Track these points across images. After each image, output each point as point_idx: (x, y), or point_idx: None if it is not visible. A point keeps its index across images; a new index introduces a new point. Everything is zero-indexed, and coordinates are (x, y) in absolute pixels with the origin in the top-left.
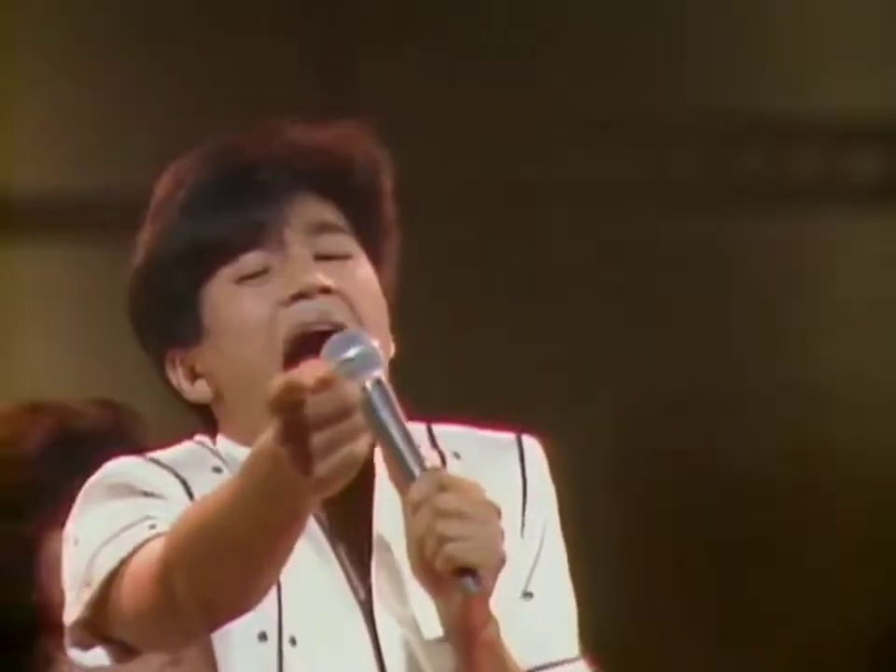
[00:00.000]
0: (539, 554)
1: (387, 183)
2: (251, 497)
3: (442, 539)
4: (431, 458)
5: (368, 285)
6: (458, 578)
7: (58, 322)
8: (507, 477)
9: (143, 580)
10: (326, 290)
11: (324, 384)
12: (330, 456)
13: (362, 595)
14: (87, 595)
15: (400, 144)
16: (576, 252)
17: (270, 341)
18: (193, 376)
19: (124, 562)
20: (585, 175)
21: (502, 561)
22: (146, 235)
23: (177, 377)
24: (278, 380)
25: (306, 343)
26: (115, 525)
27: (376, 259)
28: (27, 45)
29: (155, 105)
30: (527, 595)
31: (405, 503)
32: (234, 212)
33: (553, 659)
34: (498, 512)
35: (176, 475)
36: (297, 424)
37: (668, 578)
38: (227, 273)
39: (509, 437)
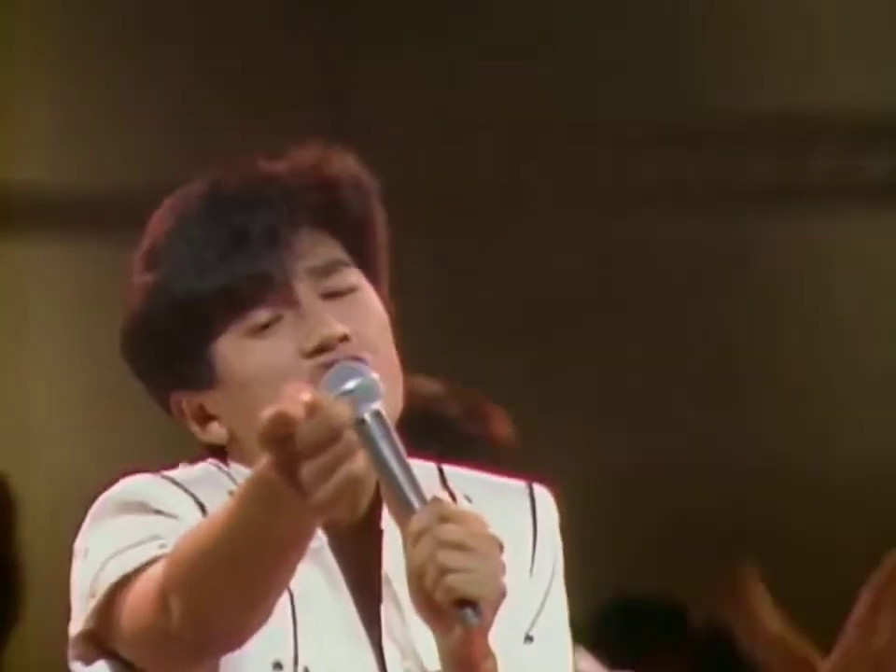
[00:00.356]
0: (544, 601)
1: (377, 204)
2: (252, 521)
3: (443, 570)
4: (443, 498)
5: (376, 316)
6: (458, 609)
7: (63, 321)
8: (518, 523)
9: (142, 601)
10: (344, 339)
11: (310, 410)
12: (328, 480)
13: (372, 628)
14: (90, 605)
15: (399, 145)
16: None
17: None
18: (204, 418)
19: (128, 577)
20: (590, 177)
21: (502, 595)
22: (146, 279)
23: (186, 419)
24: (265, 414)
25: None
26: (124, 541)
27: (375, 280)
28: (28, 43)
29: (156, 103)
30: (529, 638)
31: (405, 535)
32: (238, 264)
33: None
34: (501, 546)
35: (192, 495)
36: (289, 455)
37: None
38: (236, 327)
39: (520, 484)
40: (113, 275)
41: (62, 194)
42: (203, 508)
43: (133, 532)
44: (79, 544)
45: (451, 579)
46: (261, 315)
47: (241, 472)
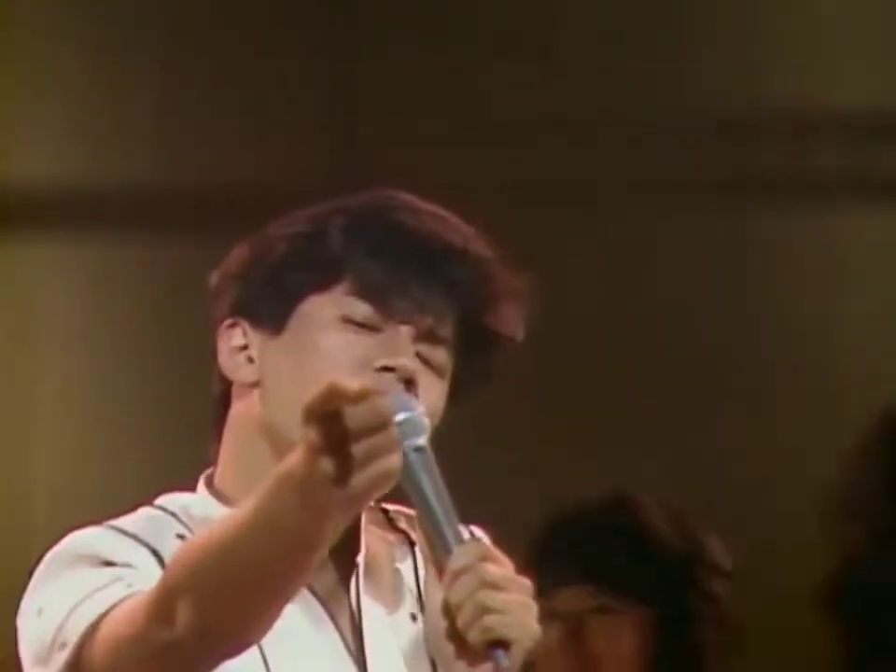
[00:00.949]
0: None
1: (513, 349)
2: (275, 516)
3: (483, 610)
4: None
5: (436, 407)
6: (491, 650)
7: (69, 321)
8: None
9: (125, 628)
10: (410, 383)
11: (363, 395)
12: (367, 468)
13: (359, 654)
14: (63, 657)
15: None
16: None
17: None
18: (240, 353)
19: (103, 618)
20: (590, 174)
21: (535, 639)
22: (296, 222)
23: (223, 342)
24: (321, 385)
25: None
26: (85, 589)
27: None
28: (30, 42)
29: (156, 102)
30: None
31: (438, 570)
32: (390, 265)
33: None
34: (533, 591)
35: (145, 544)
36: (335, 432)
37: None
38: (334, 300)
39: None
40: (118, 276)
41: (67, 193)
42: (157, 554)
43: (93, 580)
44: (28, 604)
45: (489, 619)
46: (366, 312)
47: (190, 515)
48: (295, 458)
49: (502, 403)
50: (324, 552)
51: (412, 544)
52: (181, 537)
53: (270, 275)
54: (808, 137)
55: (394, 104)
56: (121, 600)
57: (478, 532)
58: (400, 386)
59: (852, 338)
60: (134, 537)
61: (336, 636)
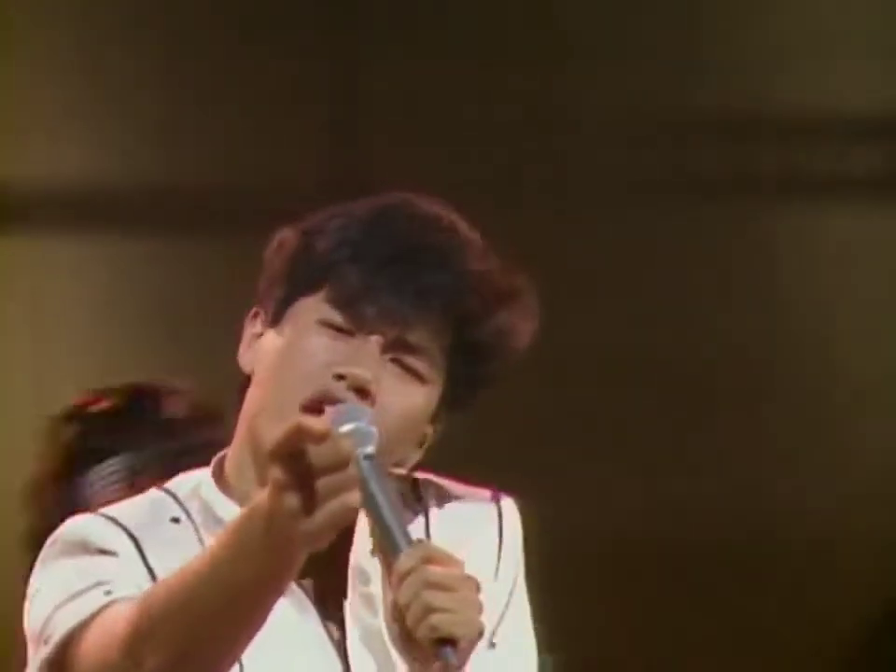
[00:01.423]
0: (506, 608)
1: (512, 356)
2: (240, 555)
3: (428, 609)
4: (413, 509)
5: (418, 411)
6: (438, 647)
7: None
8: (484, 533)
9: (107, 650)
10: (362, 392)
11: (325, 435)
12: (327, 504)
13: (341, 648)
14: (44, 653)
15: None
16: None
17: (300, 388)
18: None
19: (82, 625)
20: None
21: (481, 634)
22: (315, 218)
23: (248, 332)
24: (288, 424)
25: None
26: (68, 588)
27: (449, 390)
28: (31, 41)
29: (158, 101)
30: (492, 645)
31: (388, 573)
32: (367, 273)
33: None
34: (479, 587)
35: (129, 534)
36: (299, 470)
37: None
38: (318, 303)
39: (487, 493)
40: (122, 272)
41: (70, 190)
42: (138, 544)
43: (76, 579)
44: (31, 583)
45: (435, 618)
46: (339, 319)
47: (197, 495)
48: (262, 497)
49: (502, 403)
50: (284, 587)
51: (426, 515)
52: (175, 520)
53: (278, 272)
54: (808, 137)
55: (394, 104)
56: (100, 609)
57: (509, 501)
58: (351, 395)
59: (854, 338)
60: (119, 523)
61: (320, 627)
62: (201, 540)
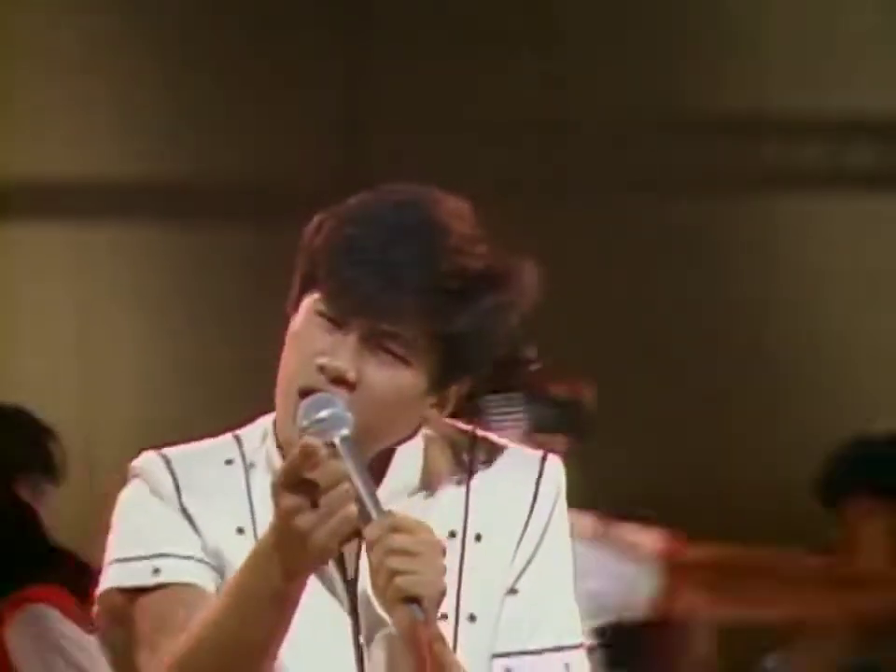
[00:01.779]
0: (531, 557)
1: (500, 339)
2: (256, 584)
3: (392, 573)
4: (461, 463)
5: (402, 393)
6: (406, 605)
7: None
8: (522, 484)
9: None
10: (339, 381)
11: (322, 455)
12: (329, 521)
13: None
14: (100, 586)
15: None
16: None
17: (295, 377)
18: None
19: (123, 591)
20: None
21: (442, 594)
22: (336, 209)
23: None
24: (294, 449)
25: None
26: (123, 549)
27: (433, 373)
28: (33, 39)
29: (159, 99)
30: (513, 591)
31: (367, 541)
32: (352, 265)
33: (528, 648)
34: (443, 551)
35: (172, 475)
36: (306, 492)
37: None
38: (314, 298)
39: (539, 452)
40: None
41: (62, 184)
42: (176, 482)
43: (130, 539)
44: (116, 507)
45: (398, 581)
46: (327, 310)
47: (267, 436)
48: (271, 527)
49: None
50: (295, 608)
51: (471, 469)
52: (229, 462)
53: (299, 261)
54: (806, 137)
55: (406, 102)
56: (146, 587)
57: (555, 459)
58: (332, 385)
59: (857, 337)
60: (169, 466)
61: (326, 594)
62: (248, 483)
